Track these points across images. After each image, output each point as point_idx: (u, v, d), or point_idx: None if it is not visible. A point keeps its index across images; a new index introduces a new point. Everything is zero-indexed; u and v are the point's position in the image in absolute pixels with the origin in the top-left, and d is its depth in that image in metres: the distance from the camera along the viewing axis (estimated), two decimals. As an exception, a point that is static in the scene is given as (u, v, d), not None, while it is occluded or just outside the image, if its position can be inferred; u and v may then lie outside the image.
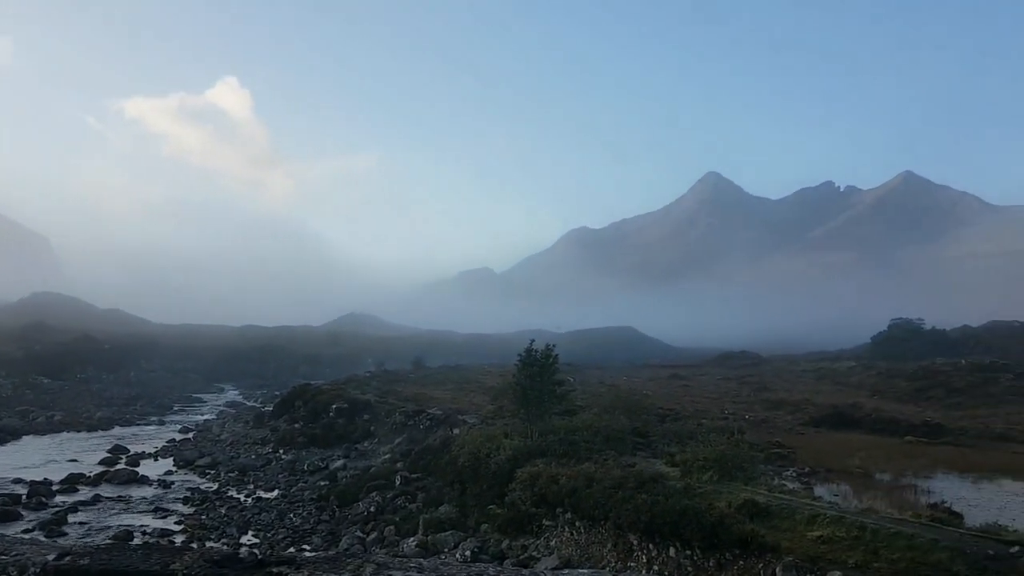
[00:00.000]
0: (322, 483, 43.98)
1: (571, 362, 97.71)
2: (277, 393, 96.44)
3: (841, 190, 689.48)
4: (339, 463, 49.26)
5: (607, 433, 37.04)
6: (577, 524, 26.88)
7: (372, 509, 36.32)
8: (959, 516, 23.00)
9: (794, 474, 32.14)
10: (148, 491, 43.31)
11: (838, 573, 18.53)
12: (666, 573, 22.29)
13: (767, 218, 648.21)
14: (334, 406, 62.90)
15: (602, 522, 25.62)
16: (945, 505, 24.52)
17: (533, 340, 40.15)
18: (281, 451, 56.56)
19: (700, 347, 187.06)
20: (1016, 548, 18.62)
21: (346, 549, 30.51)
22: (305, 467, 49.78)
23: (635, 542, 24.16)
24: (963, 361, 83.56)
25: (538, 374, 37.87)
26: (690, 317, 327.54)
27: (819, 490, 28.28)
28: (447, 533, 29.99)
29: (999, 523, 21.80)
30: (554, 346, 39.70)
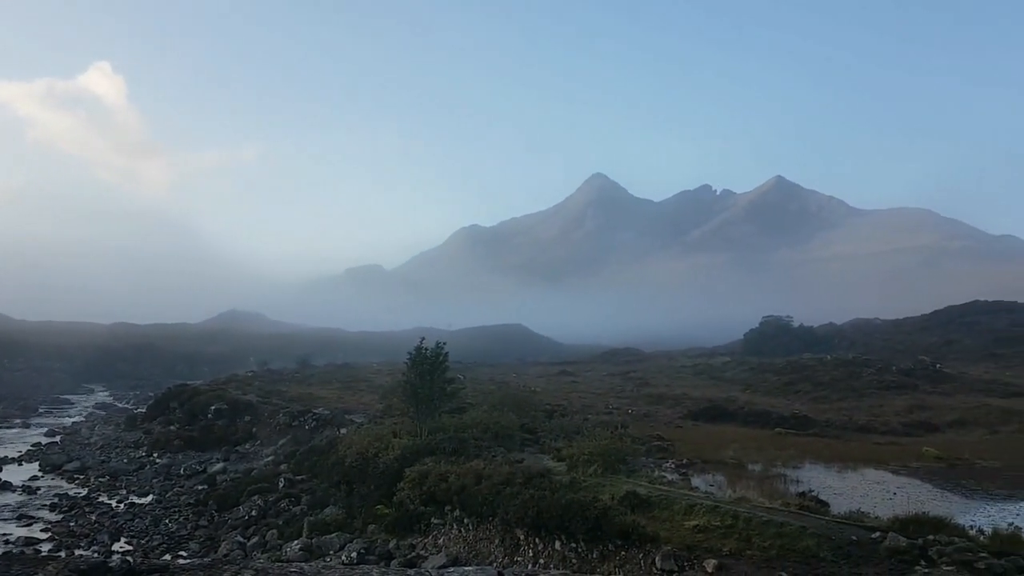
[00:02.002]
0: (200, 487, 42.51)
1: (462, 360, 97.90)
2: (151, 394, 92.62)
3: (718, 193, 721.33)
4: (218, 466, 47.80)
5: (496, 430, 37.40)
6: (466, 521, 27.04)
7: (254, 513, 35.36)
8: (825, 504, 24.41)
9: (673, 466, 33.36)
10: (11, 498, 40.79)
11: (713, 561, 19.44)
12: (551, 566, 22.76)
13: (650, 219, 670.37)
14: (213, 407, 60.78)
15: (490, 518, 25.88)
16: (812, 494, 25.91)
17: (423, 338, 40.03)
18: (156, 454, 54.42)
19: (588, 344, 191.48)
20: (877, 534, 20.05)
21: (225, 555, 29.64)
22: (182, 471, 47.99)
23: (522, 537, 24.55)
24: (828, 356, 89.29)
25: (428, 372, 37.80)
26: (578, 314, 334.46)
27: (696, 481, 29.45)
28: (333, 535, 29.51)
29: (862, 510, 23.29)
30: (444, 344, 39.72)
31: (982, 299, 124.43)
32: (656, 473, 30.38)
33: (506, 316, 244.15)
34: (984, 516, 24.06)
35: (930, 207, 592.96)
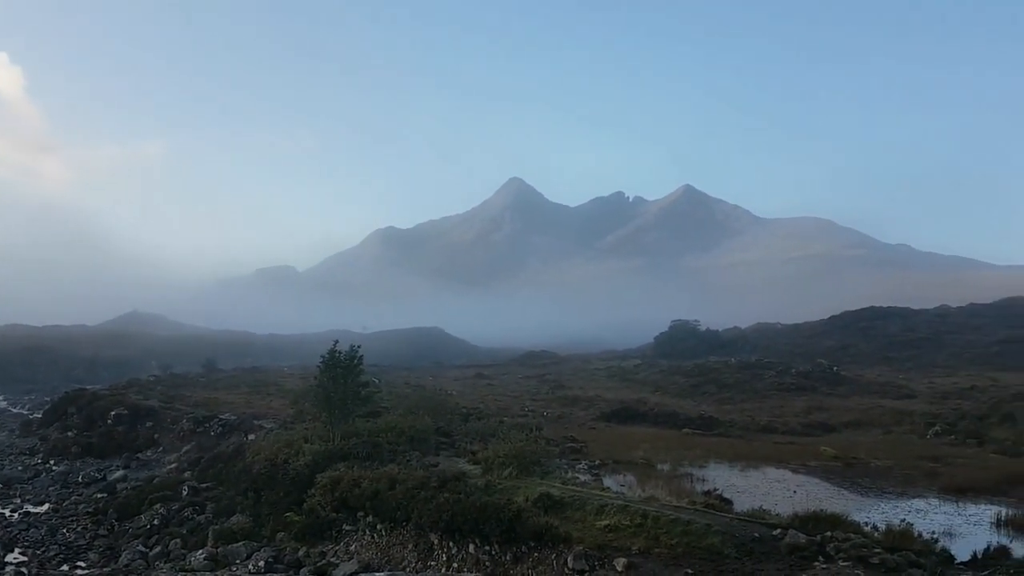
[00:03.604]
0: (99, 496, 40.94)
1: (377, 363, 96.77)
2: (48, 399, 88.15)
3: (630, 200, 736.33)
4: (119, 474, 46.16)
5: (412, 434, 37.12)
6: (379, 527, 26.73)
7: (156, 522, 34.25)
8: (729, 502, 25.28)
9: (586, 466, 33.90)
10: None
11: (623, 560, 19.84)
12: (465, 569, 22.75)
13: (565, 224, 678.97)
14: (113, 412, 58.39)
15: (404, 523, 25.67)
16: (717, 492, 26.79)
17: (337, 341, 39.35)
18: (52, 461, 52.21)
19: (504, 347, 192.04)
20: (778, 531, 20.88)
21: (126, 565, 28.78)
22: (80, 479, 46.08)
23: (436, 541, 24.45)
24: (733, 359, 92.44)
25: (342, 376, 37.17)
26: (495, 318, 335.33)
27: (608, 481, 30.00)
28: (240, 544, 28.71)
29: (764, 508, 24.21)
30: (359, 347, 39.18)
31: (877, 305, 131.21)
32: (569, 474, 30.80)
33: (423, 319, 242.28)
34: (878, 513, 25.38)
35: (829, 217, 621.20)
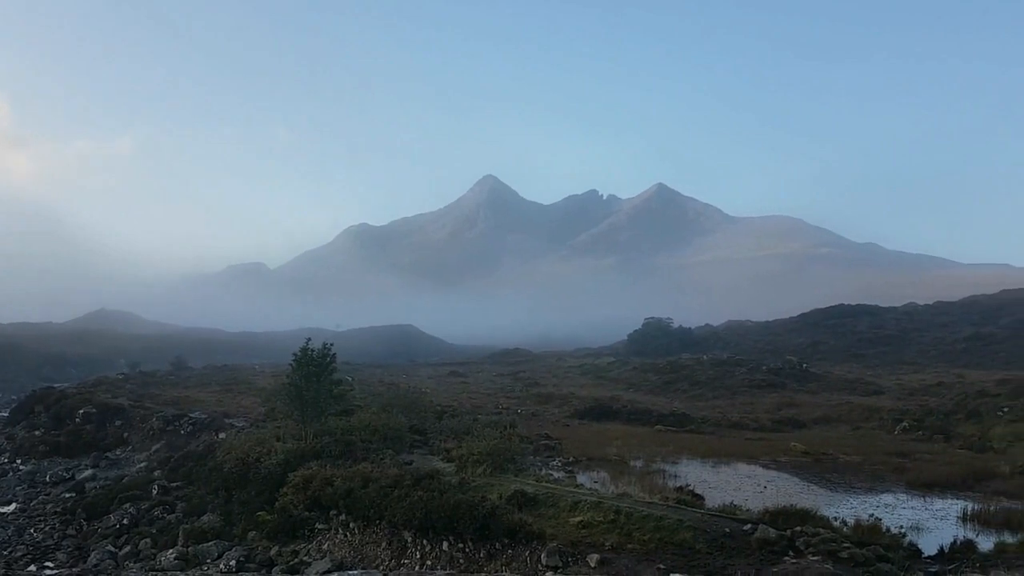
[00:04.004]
0: (68, 495, 40.43)
1: (350, 361, 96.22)
2: (14, 398, 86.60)
3: (604, 198, 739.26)
4: (87, 473, 45.57)
5: (385, 432, 36.96)
6: (351, 525, 26.59)
7: (125, 521, 33.96)
8: (701, 498, 25.48)
9: (560, 463, 34.00)
10: None
11: (596, 556, 19.94)
12: (439, 567, 22.71)
13: (540, 222, 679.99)
14: (82, 411, 57.57)
15: (377, 521, 25.56)
16: (689, 488, 26.99)
17: (309, 339, 39.02)
18: (19, 461, 51.50)
19: (478, 345, 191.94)
20: (749, 526, 21.11)
21: (95, 565, 28.45)
22: (48, 478, 45.39)
23: (410, 539, 24.38)
24: (705, 357, 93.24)
25: (314, 374, 36.89)
26: (469, 316, 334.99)
27: (581, 478, 30.12)
28: (210, 543, 28.46)
29: (734, 503, 24.46)
30: (332, 345, 38.90)
31: (846, 303, 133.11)
32: (543, 471, 30.88)
33: (396, 317, 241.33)
34: (847, 508, 25.73)
35: (799, 216, 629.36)
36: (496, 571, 21.44)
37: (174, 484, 38.12)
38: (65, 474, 45.92)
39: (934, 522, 24.28)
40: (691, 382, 77.16)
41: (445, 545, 23.28)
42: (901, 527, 22.37)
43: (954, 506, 26.27)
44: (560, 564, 20.34)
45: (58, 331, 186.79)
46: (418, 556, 23.84)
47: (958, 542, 20.16)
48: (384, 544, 25.21)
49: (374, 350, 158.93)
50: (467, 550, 22.70)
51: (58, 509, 37.80)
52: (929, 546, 20.37)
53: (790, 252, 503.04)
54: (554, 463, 34.13)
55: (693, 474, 31.68)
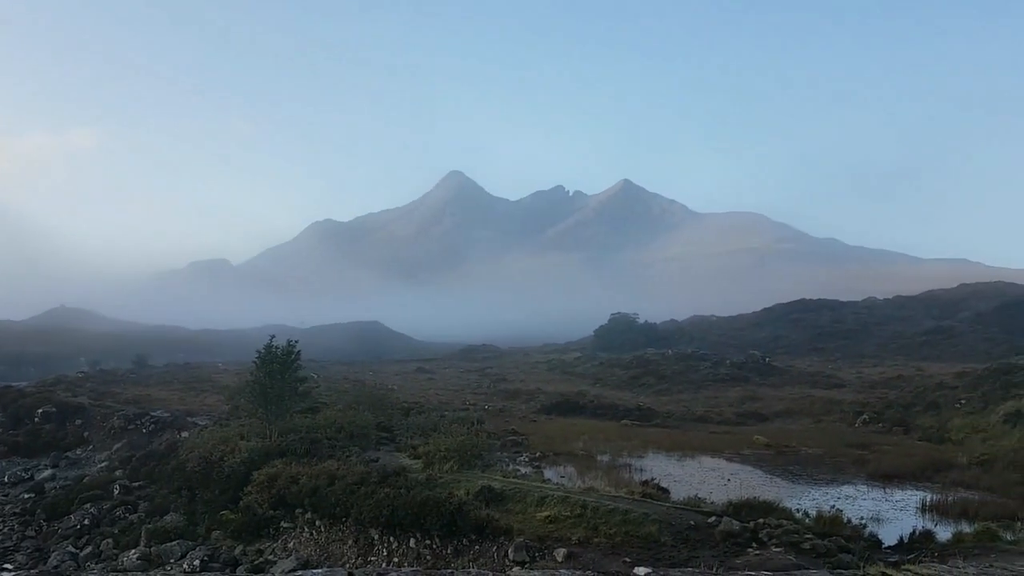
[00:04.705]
0: (27, 496, 39.77)
1: (316, 358, 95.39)
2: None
3: (570, 194, 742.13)
4: (47, 473, 44.80)
5: (351, 429, 36.73)
6: (317, 523, 26.39)
7: (86, 522, 33.42)
8: (666, 491, 25.69)
9: (527, 459, 34.07)
10: None
11: (563, 550, 20.01)
12: (405, 564, 22.62)
13: (506, 218, 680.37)
14: (40, 410, 56.40)
15: (344, 519, 25.39)
16: (655, 481, 27.20)
17: (274, 336, 38.62)
18: (-25, 462, 49.98)
19: (445, 341, 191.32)
20: (713, 518, 21.34)
21: (56, 566, 27.95)
22: (6, 478, 44.65)
23: (376, 536, 24.25)
24: (670, 351, 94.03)
25: (278, 371, 36.52)
26: (436, 312, 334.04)
27: (548, 473, 30.20)
28: (174, 543, 28.07)
29: (699, 496, 24.70)
30: (297, 342, 38.52)
31: (807, 297, 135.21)
32: (511, 467, 30.92)
33: (362, 313, 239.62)
34: (809, 500, 26.16)
35: (761, 212, 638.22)
36: (463, 567, 21.41)
37: (136, 484, 37.54)
38: (24, 474, 45.15)
39: (894, 513, 24.79)
40: (657, 377, 77.80)
41: (412, 542, 23.20)
42: (862, 518, 22.79)
43: (913, 497, 26.84)
44: (527, 559, 20.38)
45: (15, 329, 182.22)
46: (385, 553, 23.73)
47: (917, 532, 20.57)
48: (350, 542, 25.05)
49: (340, 347, 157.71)
50: (434, 546, 22.65)
51: (17, 510, 37.19)
52: (889, 536, 20.75)
53: (753, 248, 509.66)
54: (521, 459, 34.19)
55: (659, 468, 31.95)
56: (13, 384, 79.26)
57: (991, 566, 8.04)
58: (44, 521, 34.94)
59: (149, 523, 31.42)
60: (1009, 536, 20.16)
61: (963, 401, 46.82)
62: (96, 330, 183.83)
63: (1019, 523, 21.66)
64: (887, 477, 30.23)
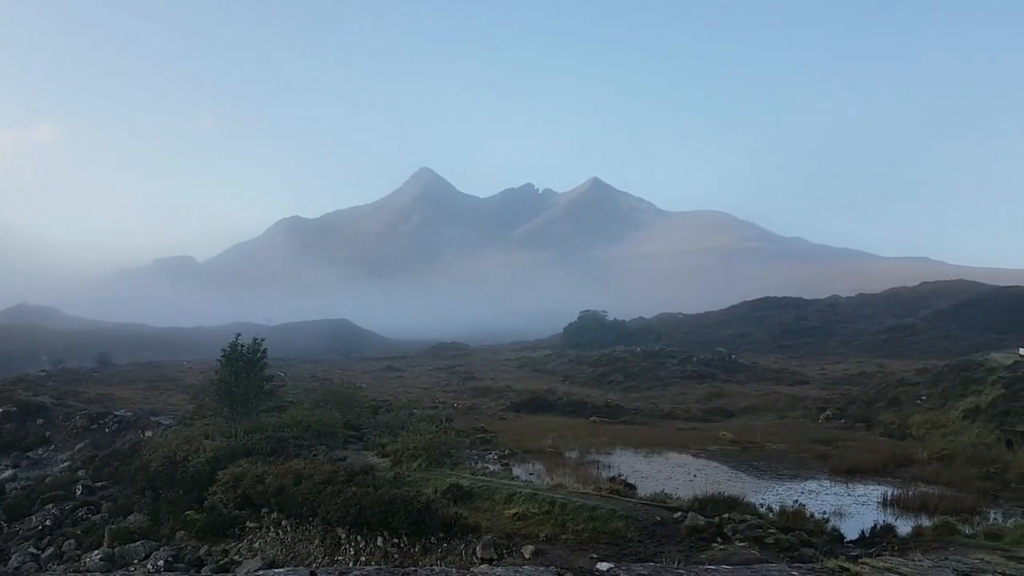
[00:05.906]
0: (-14, 496, 38.79)
1: (282, 356, 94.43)
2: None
3: (540, 192, 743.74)
4: (7, 473, 43.99)
5: (318, 428, 36.45)
6: (284, 523, 26.16)
7: (48, 523, 32.99)
8: (633, 487, 25.93)
9: (496, 456, 34.11)
10: None
11: (531, 547, 20.08)
12: (372, 563, 22.54)
13: (476, 215, 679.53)
14: (1, 410, 55.07)
15: (310, 519, 25.20)
16: (622, 478, 27.44)
17: (239, 334, 38.20)
18: (-68, 463, 48.76)
19: (414, 339, 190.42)
20: (679, 514, 21.56)
21: (17, 568, 27.57)
22: (-35, 479, 43.34)
23: (343, 535, 24.11)
24: (638, 349, 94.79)
25: (244, 370, 36.12)
26: (405, 309, 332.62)
27: (517, 470, 30.28)
28: (137, 543, 27.70)
29: (665, 492, 24.97)
30: (263, 340, 38.13)
31: (772, 295, 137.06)
32: (479, 464, 30.94)
33: (330, 311, 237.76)
34: (773, 495, 26.52)
35: (727, 210, 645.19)
36: (431, 565, 21.39)
37: (99, 484, 37.07)
38: (-18, 475, 44.09)
39: (856, 507, 25.23)
40: (625, 374, 78.32)
41: (379, 540, 23.11)
42: (824, 513, 23.15)
43: (875, 491, 27.35)
44: (495, 556, 20.41)
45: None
46: (352, 552, 23.61)
47: (878, 526, 20.95)
48: (317, 541, 24.88)
49: (308, 345, 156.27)
50: (402, 545, 22.59)
51: (-25, 512, 36.24)
52: (851, 531, 21.13)
53: (720, 246, 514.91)
54: (490, 456, 34.23)
55: (626, 464, 32.18)
56: (-29, 383, 77.46)
57: (947, 559, 8.25)
58: (4, 522, 34.36)
59: (112, 523, 30.99)
60: (967, 530, 20.66)
61: (924, 397, 47.76)
62: (58, 328, 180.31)
63: (977, 517, 22.18)
64: (850, 472, 30.76)
